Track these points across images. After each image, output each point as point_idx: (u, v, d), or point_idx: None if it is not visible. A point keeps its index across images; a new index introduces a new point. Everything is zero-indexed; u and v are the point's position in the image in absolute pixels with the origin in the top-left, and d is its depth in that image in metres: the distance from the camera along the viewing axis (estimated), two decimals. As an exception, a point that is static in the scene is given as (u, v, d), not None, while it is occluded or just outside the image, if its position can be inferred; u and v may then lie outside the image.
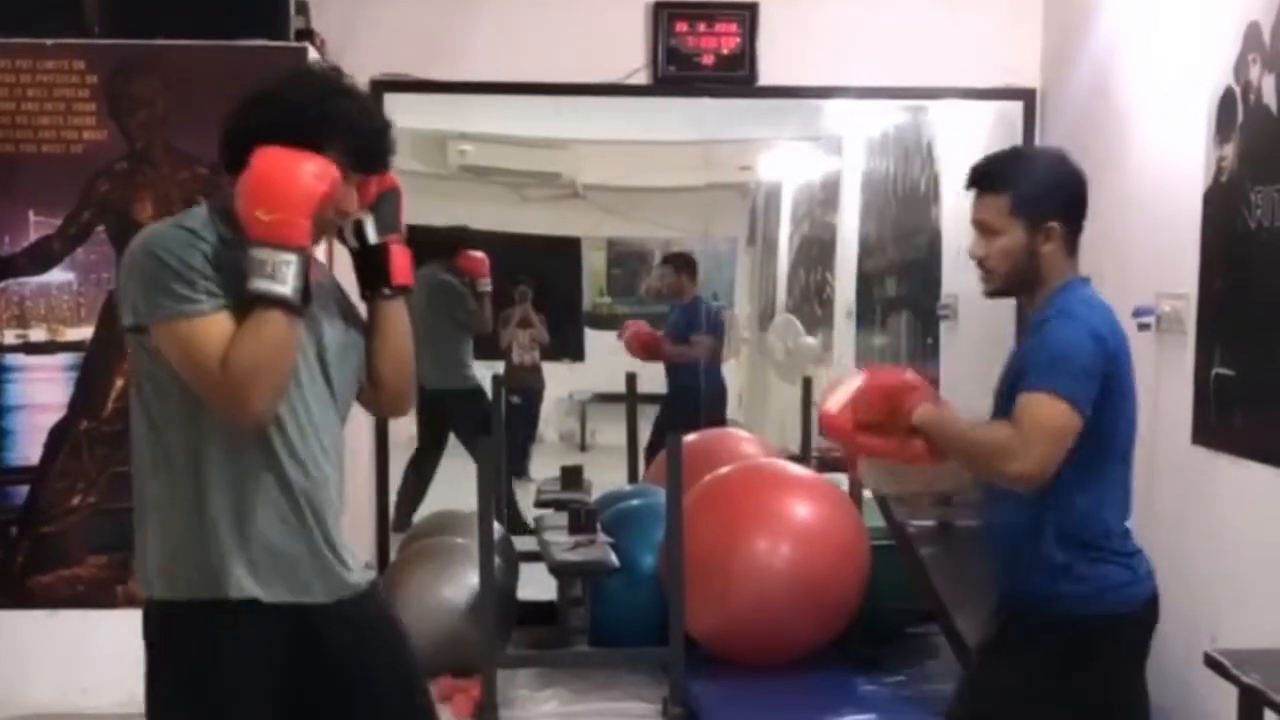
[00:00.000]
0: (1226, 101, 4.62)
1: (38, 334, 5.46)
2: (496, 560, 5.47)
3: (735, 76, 6.22)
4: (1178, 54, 5.03)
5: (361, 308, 2.95)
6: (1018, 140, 6.15)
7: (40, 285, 5.46)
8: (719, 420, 8.42)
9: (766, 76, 6.23)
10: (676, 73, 6.20)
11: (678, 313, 8.84)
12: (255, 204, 2.52)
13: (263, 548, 2.67)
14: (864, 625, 5.65)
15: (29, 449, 5.46)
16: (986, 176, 3.13)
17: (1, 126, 5.37)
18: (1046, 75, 6.24)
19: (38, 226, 5.43)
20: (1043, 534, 3.02)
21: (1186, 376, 4.80)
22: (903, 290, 8.57)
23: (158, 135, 5.40)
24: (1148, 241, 5.13)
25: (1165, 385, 4.91)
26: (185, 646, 2.75)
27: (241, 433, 2.60)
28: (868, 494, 5.89)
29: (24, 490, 5.46)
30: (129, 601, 5.44)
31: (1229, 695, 3.47)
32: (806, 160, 9.88)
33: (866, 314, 9.23)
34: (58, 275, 5.45)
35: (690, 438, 6.25)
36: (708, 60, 6.18)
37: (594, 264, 11.06)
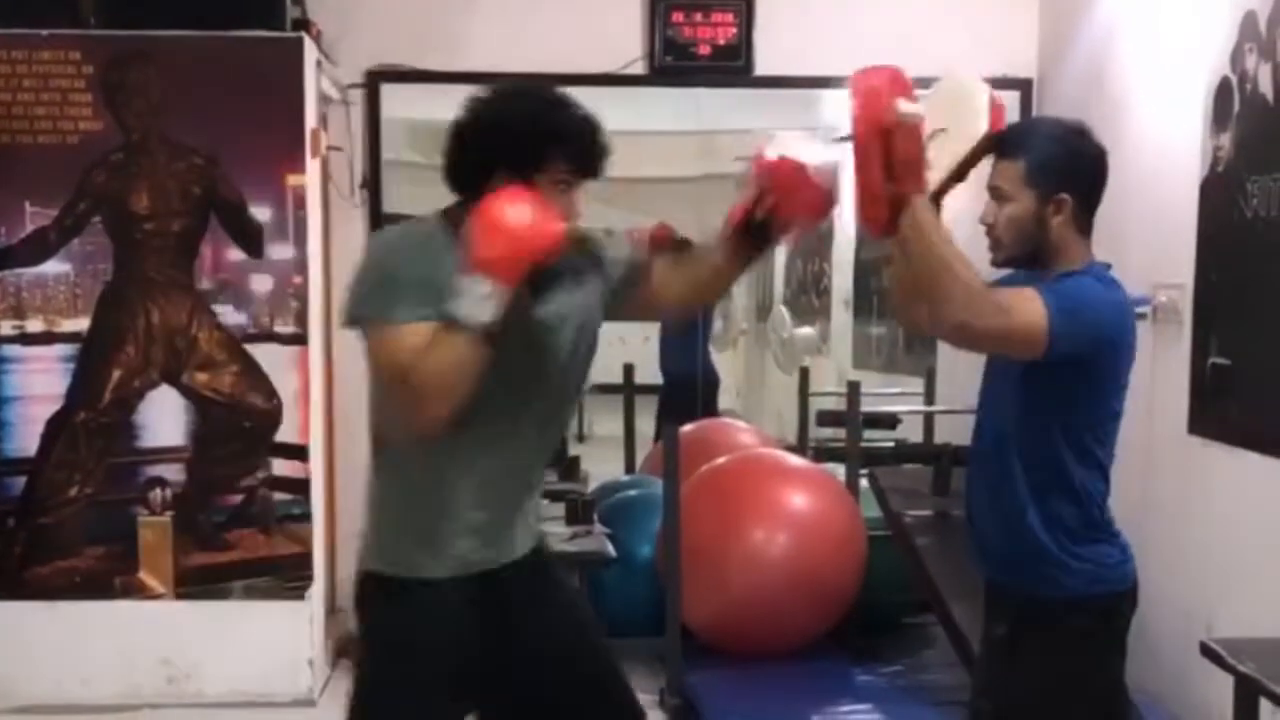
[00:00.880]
0: (1223, 91, 4.63)
1: (34, 325, 5.46)
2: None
3: (732, 67, 6.22)
4: (1174, 43, 5.04)
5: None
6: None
7: (37, 276, 5.45)
8: (710, 410, 8.41)
9: (763, 67, 6.24)
10: (673, 63, 6.21)
11: None
12: (482, 239, 2.62)
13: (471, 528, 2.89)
14: (861, 615, 5.65)
15: (26, 440, 5.46)
16: (1004, 142, 3.10)
17: (-3, 117, 5.38)
18: (1043, 65, 6.25)
19: (34, 217, 5.43)
20: (1042, 521, 3.01)
21: (1183, 366, 4.81)
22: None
23: (154, 126, 5.40)
24: (1144, 231, 5.13)
25: (1161, 375, 4.91)
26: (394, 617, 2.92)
27: (420, 435, 2.77)
28: (865, 484, 5.90)
29: (21, 481, 5.46)
30: (127, 592, 5.46)
31: (1225, 684, 3.49)
32: (803, 151, 9.86)
33: (864, 304, 9.22)
34: (54, 266, 5.45)
35: (687, 428, 6.25)
36: (704, 50, 6.19)
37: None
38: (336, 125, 5.99)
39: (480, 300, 2.61)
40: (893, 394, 7.92)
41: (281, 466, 5.51)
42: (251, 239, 5.45)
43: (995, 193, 3.04)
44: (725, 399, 9.38)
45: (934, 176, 2.98)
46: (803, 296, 10.25)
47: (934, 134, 3.06)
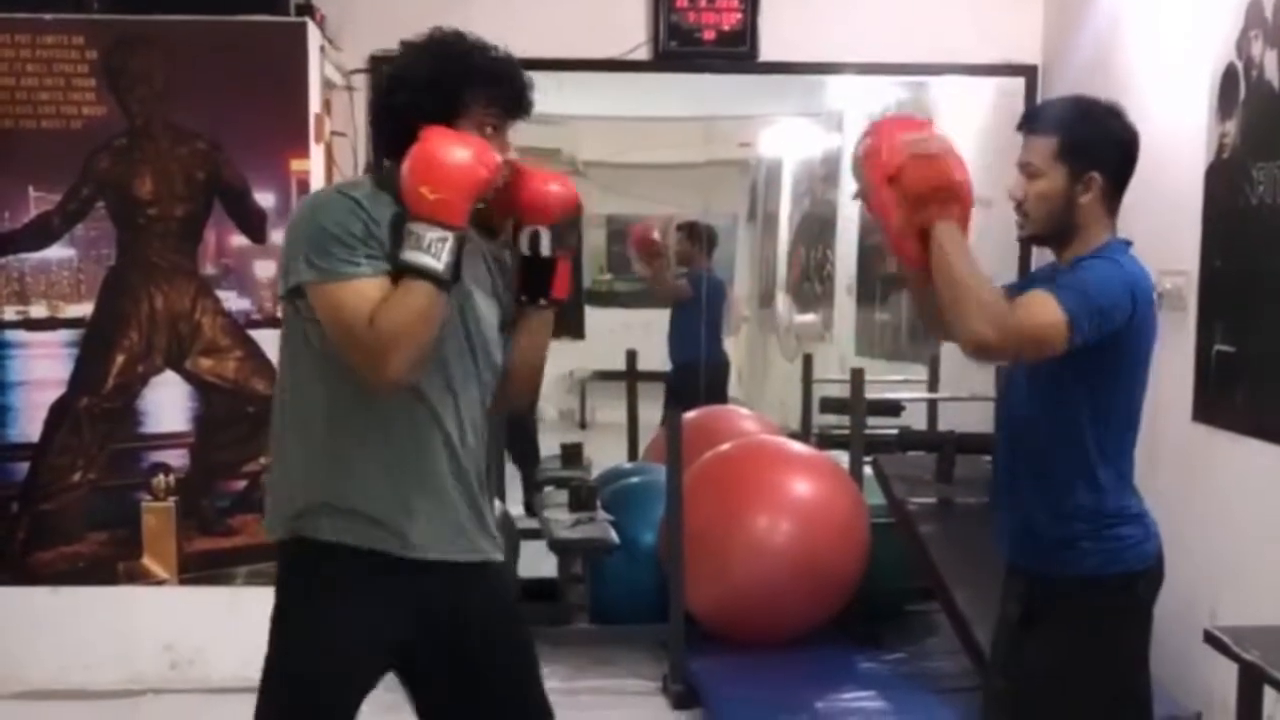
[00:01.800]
0: (1228, 78, 4.61)
1: (38, 310, 5.46)
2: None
3: (736, 52, 6.21)
4: (1179, 30, 5.02)
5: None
6: (1019, 117, 6.13)
7: (40, 261, 5.45)
8: (720, 397, 8.40)
9: (768, 52, 6.22)
10: (678, 48, 6.19)
11: (705, 281, 8.80)
12: (420, 181, 2.59)
13: (408, 508, 2.78)
14: (864, 602, 5.65)
15: (29, 425, 5.45)
16: (1039, 118, 3.09)
17: (1, 102, 5.36)
18: (1048, 52, 6.23)
19: (37, 202, 5.42)
20: (1064, 503, 3.01)
21: (1187, 353, 4.80)
22: (904, 267, 8.54)
23: (157, 111, 5.39)
24: (1149, 218, 5.09)
25: (1166, 362, 4.89)
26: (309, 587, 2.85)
27: (378, 393, 2.68)
28: (868, 472, 5.89)
29: (24, 467, 5.46)
30: (130, 578, 5.46)
31: (1229, 672, 3.48)
32: (807, 136, 9.85)
33: (867, 291, 9.22)
34: (58, 251, 5.44)
35: (690, 415, 6.25)
36: (709, 36, 6.17)
37: (594, 241, 11.04)
38: (340, 111, 5.97)
39: (434, 244, 2.58)
40: (896, 381, 7.93)
41: (284, 452, 5.50)
42: (255, 224, 5.45)
43: (1026, 168, 3.03)
44: (728, 386, 9.38)
45: None
46: (806, 283, 10.25)
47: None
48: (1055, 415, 3.00)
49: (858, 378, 6.21)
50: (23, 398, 5.47)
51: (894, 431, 6.45)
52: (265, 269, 5.46)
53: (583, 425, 10.21)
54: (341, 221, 2.67)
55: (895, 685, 5.25)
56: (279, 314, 5.35)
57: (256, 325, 5.47)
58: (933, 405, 7.18)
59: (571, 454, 7.01)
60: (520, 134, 2.90)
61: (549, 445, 7.51)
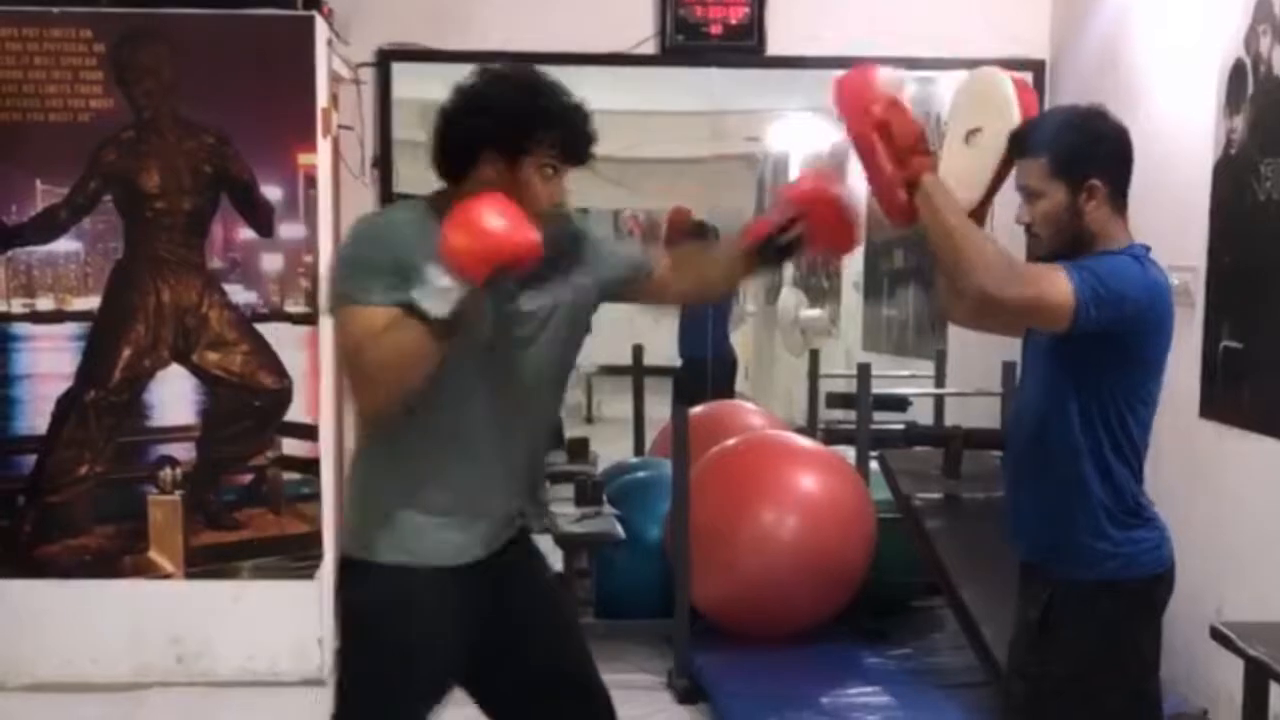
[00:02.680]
0: (1237, 73, 4.61)
1: (45, 303, 5.47)
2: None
3: (743, 46, 6.20)
4: (1188, 25, 5.02)
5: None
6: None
7: (47, 254, 5.45)
8: (727, 393, 8.39)
9: (775, 47, 6.22)
10: (684, 43, 6.19)
11: None
12: (456, 232, 2.61)
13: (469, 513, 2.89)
14: (870, 598, 5.65)
15: (36, 418, 5.46)
16: (1025, 141, 3.08)
17: (8, 95, 5.37)
18: (1055, 46, 6.22)
19: (45, 195, 5.42)
20: (1079, 504, 2.99)
21: (1194, 349, 4.80)
22: (910, 262, 8.54)
23: (165, 104, 5.39)
24: (1156, 214, 5.09)
25: (1173, 358, 4.86)
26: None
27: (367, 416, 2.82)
28: (875, 467, 5.89)
29: (31, 460, 5.46)
30: (136, 571, 5.47)
31: (1235, 667, 3.49)
32: (814, 131, 9.83)
33: (874, 286, 9.21)
34: (65, 244, 5.45)
35: (696, 410, 6.25)
36: (716, 30, 6.17)
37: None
38: (347, 104, 5.97)
39: (440, 292, 2.59)
40: (903, 376, 7.92)
41: (291, 446, 5.51)
42: (262, 218, 5.45)
43: (1025, 192, 3.00)
44: (736, 382, 9.37)
45: (978, 174, 3.03)
46: (812, 278, 10.24)
47: (971, 133, 3.11)
48: (1071, 415, 2.98)
49: (864, 373, 6.20)
50: (30, 390, 5.48)
51: (900, 426, 6.46)
52: (272, 262, 5.47)
53: (589, 419, 10.20)
54: (372, 248, 2.76)
55: (901, 680, 5.25)
56: (285, 308, 5.43)
57: (263, 319, 5.47)
58: (939, 400, 7.17)
59: (577, 448, 7.01)
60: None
61: (555, 439, 7.52)
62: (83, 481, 5.47)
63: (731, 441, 5.92)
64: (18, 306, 5.46)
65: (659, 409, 7.98)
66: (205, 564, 5.49)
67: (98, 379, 5.45)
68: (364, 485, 2.94)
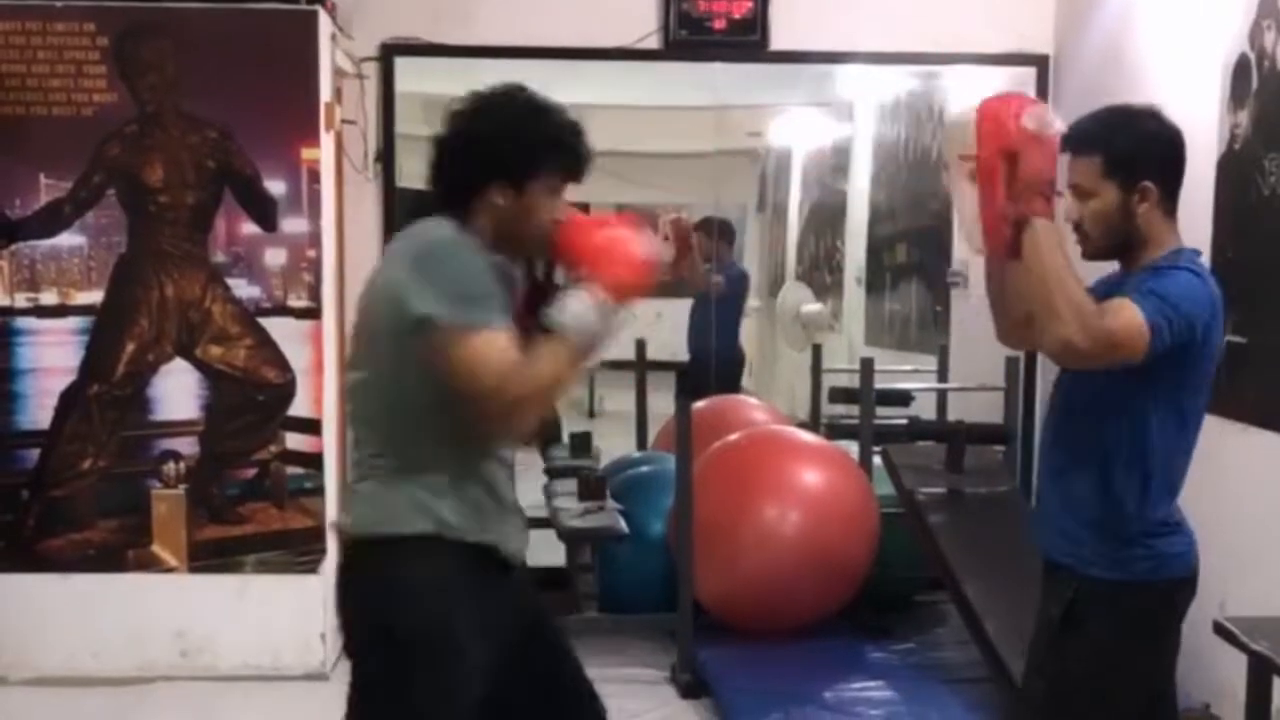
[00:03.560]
0: (1240, 68, 4.60)
1: (48, 297, 5.47)
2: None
3: (747, 41, 6.20)
4: (1191, 20, 5.01)
5: None
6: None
7: (51, 248, 5.45)
8: (733, 389, 8.38)
9: (778, 41, 6.22)
10: (688, 37, 6.18)
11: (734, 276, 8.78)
12: (617, 264, 2.71)
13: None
14: (873, 593, 5.65)
15: (39, 413, 5.46)
16: (1078, 138, 3.03)
17: (12, 89, 5.37)
18: (1059, 41, 6.22)
19: (48, 189, 5.42)
20: (1113, 506, 2.99)
21: (1198, 344, 4.78)
22: (913, 257, 8.54)
23: (168, 98, 5.39)
24: (1160, 209, 5.10)
25: (1177, 353, 4.89)
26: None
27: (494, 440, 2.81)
28: (877, 462, 5.89)
29: (34, 454, 5.47)
30: (140, 565, 5.47)
31: (1238, 662, 3.48)
32: (817, 126, 9.83)
33: (876, 281, 9.20)
34: (68, 239, 5.45)
35: (700, 405, 6.25)
36: (719, 24, 6.17)
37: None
38: (351, 99, 5.97)
39: (604, 321, 2.67)
40: (906, 371, 7.91)
41: (294, 440, 5.51)
42: (265, 212, 5.45)
43: (1076, 190, 2.97)
44: (742, 378, 9.37)
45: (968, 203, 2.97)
46: (815, 273, 10.23)
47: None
48: (1115, 420, 2.96)
49: (867, 367, 6.19)
50: (33, 385, 5.48)
51: (903, 421, 6.46)
52: (275, 257, 5.47)
53: (591, 414, 10.20)
54: (483, 269, 2.72)
55: (904, 675, 5.25)
56: (288, 302, 5.43)
57: (266, 313, 5.47)
58: (942, 395, 7.17)
59: (580, 443, 7.01)
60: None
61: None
62: (86, 476, 5.47)
63: (734, 436, 5.92)
64: (21, 301, 5.46)
65: (662, 404, 7.99)
66: (208, 558, 5.49)
67: (101, 373, 5.45)
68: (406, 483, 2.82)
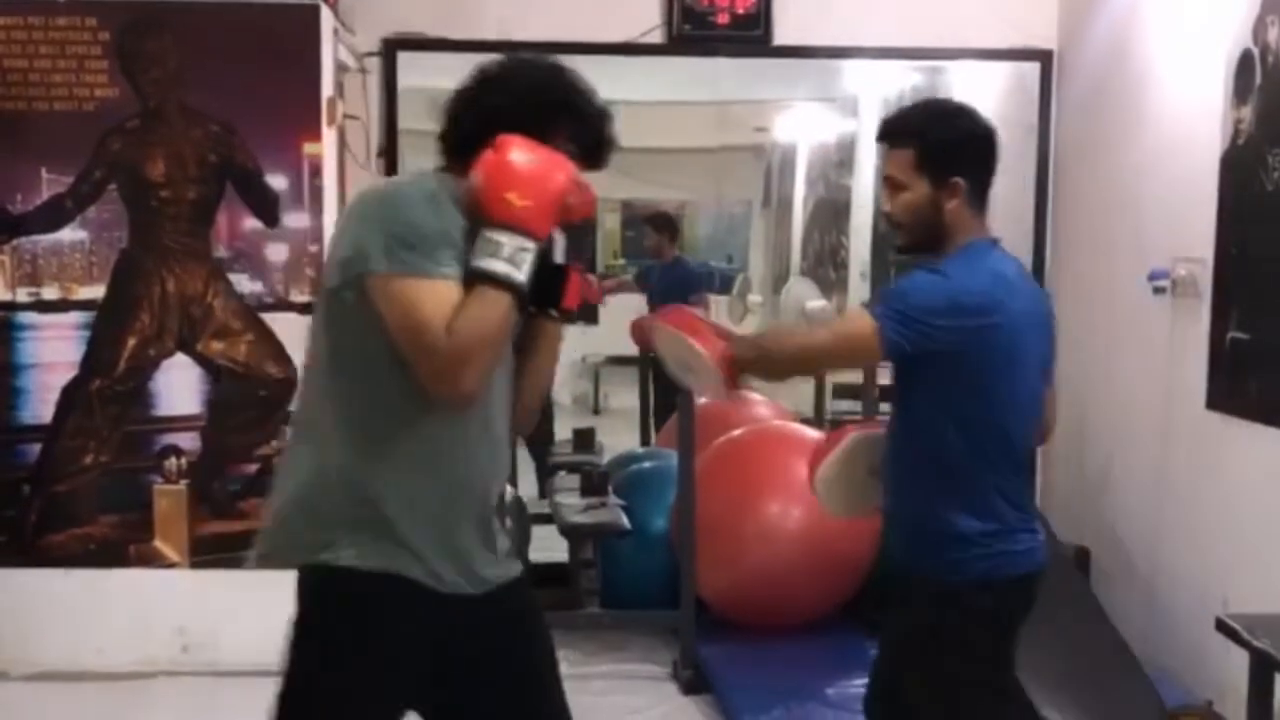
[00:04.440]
0: (1245, 63, 4.59)
1: (50, 292, 5.46)
2: (508, 522, 5.47)
3: (751, 36, 6.19)
4: (1196, 15, 5.00)
5: None
6: (1034, 102, 6.15)
7: (53, 243, 5.45)
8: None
9: (782, 36, 6.21)
10: (691, 32, 6.18)
11: (658, 272, 8.75)
12: (507, 187, 2.46)
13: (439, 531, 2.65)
14: (875, 588, 5.64)
15: (41, 408, 5.47)
16: (892, 131, 3.10)
17: (14, 84, 5.37)
18: (1064, 36, 6.20)
19: (50, 184, 5.42)
20: (936, 515, 3.06)
21: (1201, 341, 4.78)
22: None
23: (170, 93, 5.39)
24: (1164, 204, 5.10)
25: (1179, 350, 4.89)
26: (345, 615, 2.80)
27: (445, 406, 2.51)
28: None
29: (36, 449, 5.47)
30: (142, 561, 5.47)
31: (1240, 659, 3.48)
32: (822, 121, 9.82)
33: (881, 276, 9.19)
34: (70, 234, 5.45)
35: (702, 401, 6.23)
36: (723, 19, 6.16)
37: (608, 226, 11.01)
38: (353, 94, 5.96)
39: (517, 254, 2.44)
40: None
41: (296, 436, 5.50)
42: (267, 208, 5.45)
43: (889, 182, 3.09)
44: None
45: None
46: (820, 268, 10.22)
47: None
48: (918, 437, 3.07)
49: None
50: (35, 380, 5.48)
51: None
52: (277, 252, 5.46)
53: (595, 410, 10.20)
54: (426, 217, 2.49)
55: (906, 672, 5.24)
56: (290, 297, 5.42)
57: (268, 308, 5.47)
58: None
59: (584, 439, 7.01)
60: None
61: (562, 430, 7.51)
62: (88, 471, 5.47)
63: (737, 432, 5.92)
64: (23, 295, 5.46)
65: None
66: (210, 554, 5.49)
67: (103, 368, 5.45)
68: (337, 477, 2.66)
